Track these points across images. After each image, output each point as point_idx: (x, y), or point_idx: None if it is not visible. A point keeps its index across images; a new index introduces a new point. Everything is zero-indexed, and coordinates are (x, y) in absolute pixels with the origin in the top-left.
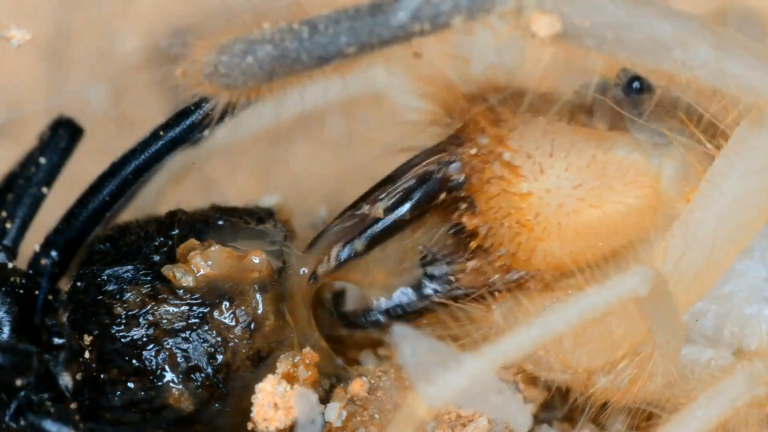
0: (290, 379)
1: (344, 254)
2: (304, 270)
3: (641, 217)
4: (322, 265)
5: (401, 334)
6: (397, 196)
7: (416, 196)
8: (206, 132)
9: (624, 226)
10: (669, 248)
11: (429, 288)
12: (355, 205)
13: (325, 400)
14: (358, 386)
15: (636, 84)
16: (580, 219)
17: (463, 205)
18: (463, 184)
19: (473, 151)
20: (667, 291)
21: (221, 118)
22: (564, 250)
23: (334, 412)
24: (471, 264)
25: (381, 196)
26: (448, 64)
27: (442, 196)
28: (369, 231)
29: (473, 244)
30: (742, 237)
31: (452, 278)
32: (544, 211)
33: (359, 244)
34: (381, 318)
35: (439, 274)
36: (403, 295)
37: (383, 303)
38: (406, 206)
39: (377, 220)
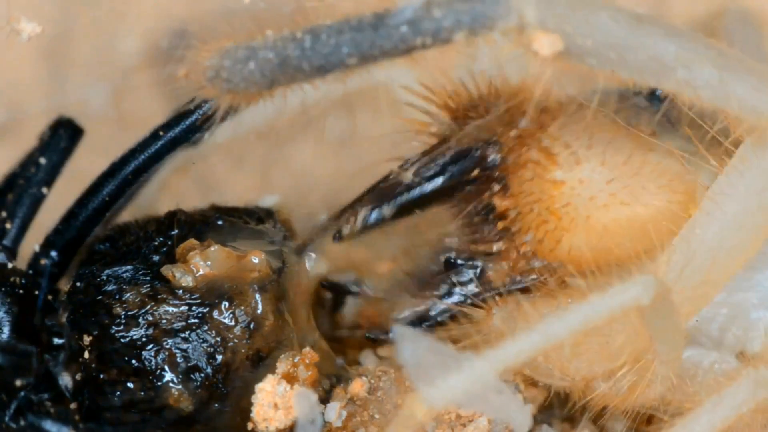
0: (290, 379)
1: (372, 218)
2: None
3: (670, 222)
4: (347, 226)
5: (401, 334)
6: (432, 168)
7: (452, 170)
8: (206, 133)
9: (651, 229)
10: (670, 262)
11: (458, 295)
12: (353, 206)
13: (325, 400)
14: (358, 386)
15: (659, 91)
16: (609, 214)
17: (496, 186)
18: (499, 165)
19: (513, 133)
20: (669, 300)
21: (221, 120)
22: (589, 245)
23: (334, 412)
24: (498, 245)
25: (417, 166)
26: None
27: (476, 172)
28: (400, 198)
29: (501, 225)
30: (742, 255)
31: (478, 281)
32: (574, 201)
33: (388, 209)
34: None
35: (466, 280)
36: (435, 307)
37: (411, 315)
38: (440, 179)
39: (408, 189)
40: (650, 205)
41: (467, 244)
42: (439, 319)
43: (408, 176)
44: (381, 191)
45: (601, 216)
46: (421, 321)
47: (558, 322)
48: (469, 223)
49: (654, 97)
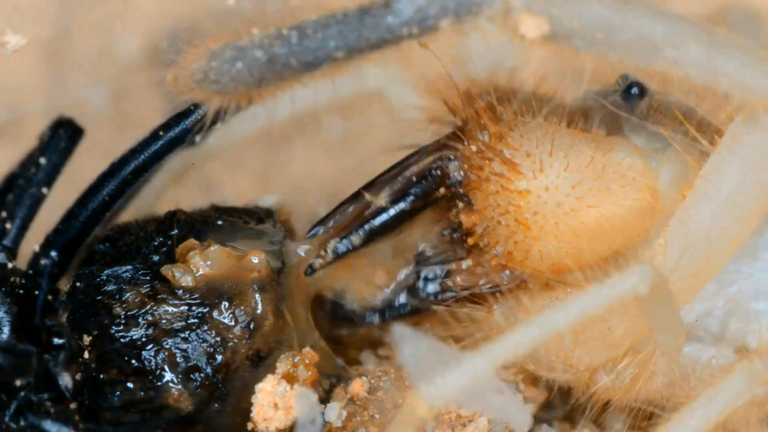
0: (290, 379)
1: (341, 247)
2: (302, 251)
3: (639, 218)
4: (319, 258)
5: (401, 334)
6: (395, 191)
7: (415, 191)
8: (202, 135)
9: (622, 228)
10: (667, 246)
11: (423, 291)
12: (353, 197)
13: (325, 400)
14: (358, 386)
15: (635, 90)
16: (578, 219)
17: (461, 203)
18: (462, 182)
19: (473, 148)
20: (667, 289)
21: (213, 123)
22: (561, 250)
23: (334, 412)
24: (466, 263)
25: (380, 189)
26: (447, 62)
27: (441, 191)
28: (367, 225)
29: (470, 242)
30: (738, 233)
31: (447, 280)
32: (542, 209)
33: (357, 237)
34: (375, 319)
35: (433, 276)
36: (398, 297)
37: (377, 304)
38: (404, 202)
39: (375, 216)
40: (617, 204)
41: (440, 258)
42: (402, 311)
43: (375, 200)
44: (349, 219)
45: (569, 221)
46: (385, 311)
47: (556, 314)
48: (439, 242)
49: (629, 95)
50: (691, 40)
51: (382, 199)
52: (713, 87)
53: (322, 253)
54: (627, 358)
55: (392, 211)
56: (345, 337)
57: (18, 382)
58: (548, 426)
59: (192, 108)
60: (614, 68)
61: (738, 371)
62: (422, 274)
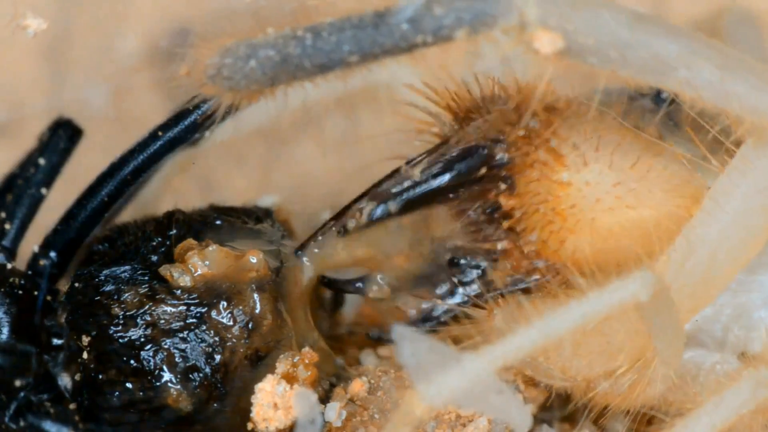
0: (290, 379)
1: (377, 212)
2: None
3: (677, 225)
4: (352, 220)
5: (401, 334)
6: (439, 165)
7: (459, 167)
8: (206, 133)
9: (657, 233)
10: (669, 260)
11: (460, 295)
12: (353, 204)
13: (325, 400)
14: (358, 386)
15: (665, 94)
16: (615, 217)
17: (503, 185)
18: (506, 164)
19: (521, 132)
20: (668, 297)
21: (222, 119)
22: (593, 247)
23: (334, 412)
24: (502, 245)
25: (422, 161)
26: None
27: (483, 171)
28: (405, 194)
29: (506, 224)
30: (744, 255)
31: (485, 278)
32: (580, 203)
33: (394, 205)
34: (414, 328)
35: (469, 280)
36: (437, 308)
37: (413, 316)
38: (447, 176)
39: (415, 186)
40: (656, 209)
41: (471, 242)
42: (442, 319)
43: (415, 173)
44: (387, 186)
45: (606, 219)
46: (424, 321)
47: (557, 319)
48: (474, 222)
49: (659, 98)
50: (705, 61)
51: (417, 171)
52: (725, 109)
53: (357, 215)
54: (625, 365)
55: (434, 183)
56: (345, 337)
57: (17, 383)
58: (548, 426)
59: (191, 108)
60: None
61: (744, 379)
62: (460, 280)
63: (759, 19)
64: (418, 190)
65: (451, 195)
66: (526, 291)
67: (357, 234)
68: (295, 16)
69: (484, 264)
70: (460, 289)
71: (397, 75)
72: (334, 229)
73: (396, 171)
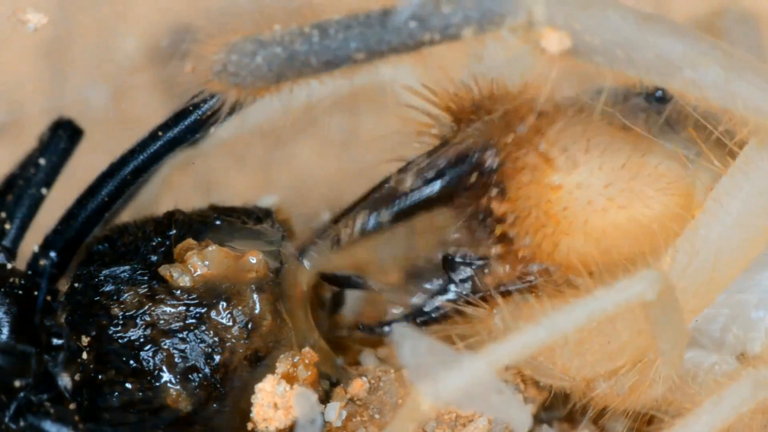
0: (290, 379)
1: (370, 224)
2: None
3: (670, 223)
4: (345, 232)
5: (401, 334)
6: (429, 173)
7: (449, 175)
8: (210, 129)
9: (650, 232)
10: (673, 261)
11: (453, 292)
12: (351, 210)
13: (325, 400)
14: (358, 386)
15: (659, 93)
16: (607, 218)
17: (494, 191)
18: (496, 170)
19: (511, 137)
20: (674, 296)
21: (227, 115)
22: (587, 248)
23: (334, 412)
24: (496, 249)
25: (411, 171)
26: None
27: (474, 177)
28: (397, 204)
29: (498, 231)
30: (745, 255)
31: (477, 279)
32: (572, 205)
33: (386, 215)
34: (404, 324)
35: (464, 277)
36: (428, 302)
37: (403, 311)
38: (438, 184)
39: (406, 195)
40: (648, 208)
41: (466, 248)
42: (433, 315)
43: (407, 181)
44: (379, 196)
45: (599, 220)
46: (414, 316)
47: (563, 317)
48: (467, 227)
49: (653, 98)
50: (711, 62)
51: (408, 182)
52: (730, 109)
53: (350, 225)
54: (627, 365)
55: (425, 191)
56: (345, 337)
57: (17, 383)
58: (548, 426)
59: (191, 108)
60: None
61: (744, 378)
62: (454, 278)
63: (758, 18)
64: (410, 199)
65: (444, 202)
66: (521, 292)
67: (351, 244)
68: (301, 14)
69: (478, 263)
70: (453, 287)
71: (397, 76)
72: (330, 236)
73: (387, 179)
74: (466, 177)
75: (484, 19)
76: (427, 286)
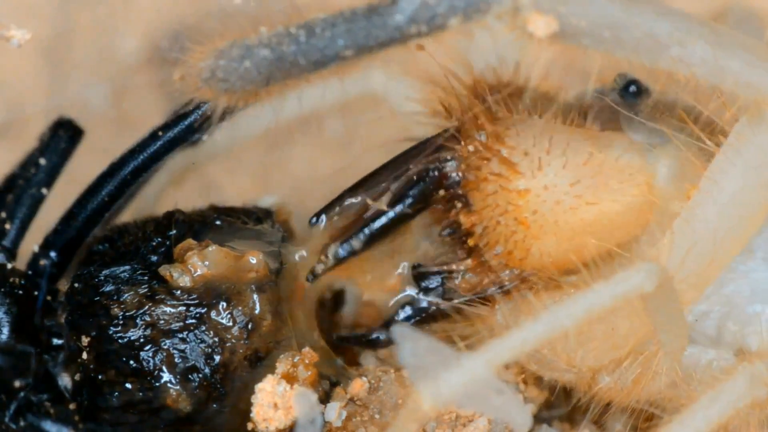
0: (290, 379)
1: (342, 252)
2: (302, 255)
3: (639, 214)
4: (320, 264)
5: (401, 334)
6: (394, 194)
7: (413, 193)
8: (205, 134)
9: (621, 223)
10: (671, 245)
11: (425, 302)
12: (356, 188)
13: (325, 400)
14: (358, 386)
15: (633, 88)
16: (577, 216)
17: (459, 204)
18: (460, 182)
19: (471, 148)
20: (672, 287)
21: (219, 121)
22: (560, 248)
23: (334, 412)
24: (466, 264)
25: (377, 190)
26: (448, 63)
27: (441, 192)
28: (367, 229)
29: (470, 242)
30: (743, 233)
31: (449, 285)
32: (541, 208)
33: (357, 241)
34: (381, 336)
35: (434, 286)
36: (399, 312)
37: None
38: (403, 204)
39: (374, 219)
40: (615, 201)
41: (438, 264)
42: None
43: (383, 206)
44: (349, 225)
45: (569, 218)
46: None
47: (561, 312)
48: (439, 243)
49: (627, 92)
50: (697, 39)
51: (381, 202)
52: (719, 86)
53: (323, 258)
54: (630, 357)
55: (392, 214)
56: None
57: (17, 383)
58: (548, 426)
59: (191, 108)
60: (614, 66)
61: (739, 373)
62: (423, 287)
63: (762, 17)
64: (378, 223)
65: (413, 218)
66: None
67: (327, 273)
68: (287, 15)
69: (448, 275)
70: (422, 296)
71: (389, 77)
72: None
73: (346, 206)
74: (432, 193)
75: (470, 7)
76: (398, 297)
